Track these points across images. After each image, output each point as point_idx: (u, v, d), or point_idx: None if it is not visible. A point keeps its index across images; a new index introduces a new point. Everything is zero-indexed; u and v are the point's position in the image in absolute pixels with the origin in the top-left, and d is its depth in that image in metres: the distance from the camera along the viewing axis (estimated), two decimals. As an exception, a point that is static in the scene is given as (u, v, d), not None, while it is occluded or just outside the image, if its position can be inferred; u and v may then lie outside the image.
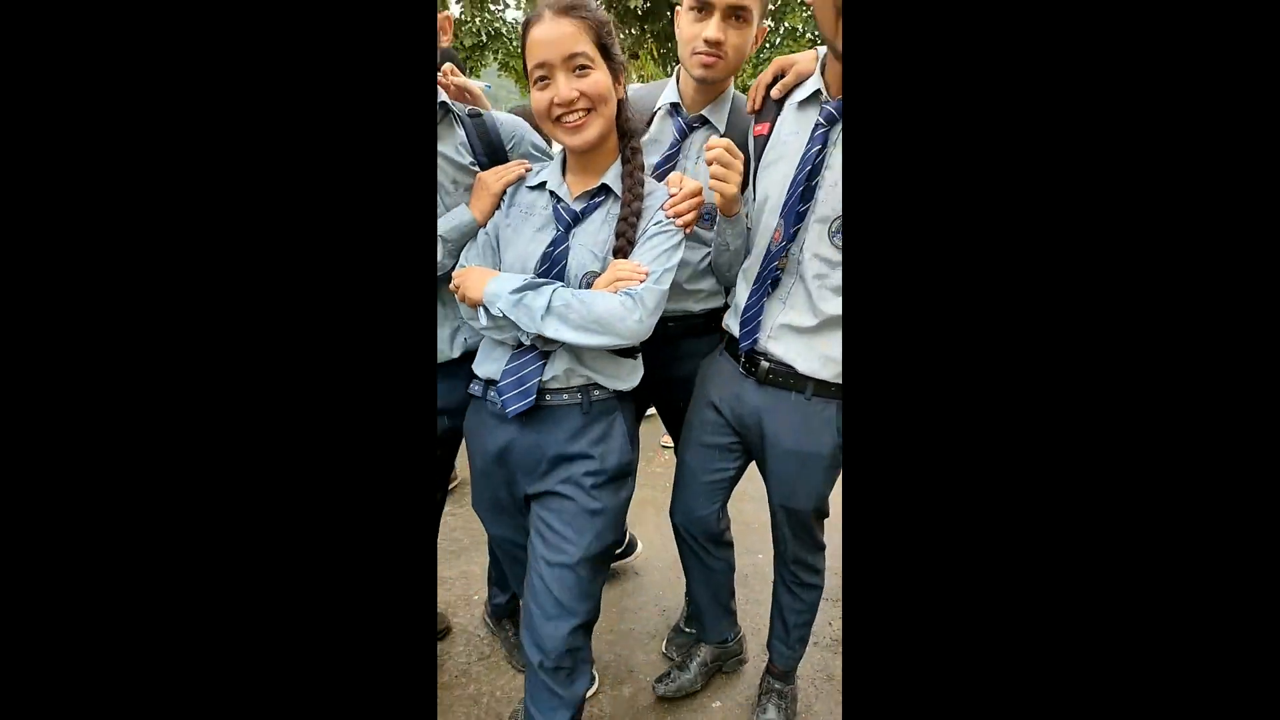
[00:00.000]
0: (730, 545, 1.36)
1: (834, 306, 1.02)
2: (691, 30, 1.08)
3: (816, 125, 1.00)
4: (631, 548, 1.90)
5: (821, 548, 1.27)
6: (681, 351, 1.27)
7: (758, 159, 1.11)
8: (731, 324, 1.15)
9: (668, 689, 1.44)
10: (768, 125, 1.10)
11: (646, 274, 0.95)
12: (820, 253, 1.01)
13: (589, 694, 1.35)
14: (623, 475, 1.06)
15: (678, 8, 1.14)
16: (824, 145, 0.99)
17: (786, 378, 1.08)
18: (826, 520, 1.23)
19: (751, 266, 1.10)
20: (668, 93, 1.21)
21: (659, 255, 0.97)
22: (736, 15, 1.06)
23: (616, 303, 0.93)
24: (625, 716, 1.43)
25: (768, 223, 1.07)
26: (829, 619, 1.74)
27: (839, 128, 0.98)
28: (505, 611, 1.59)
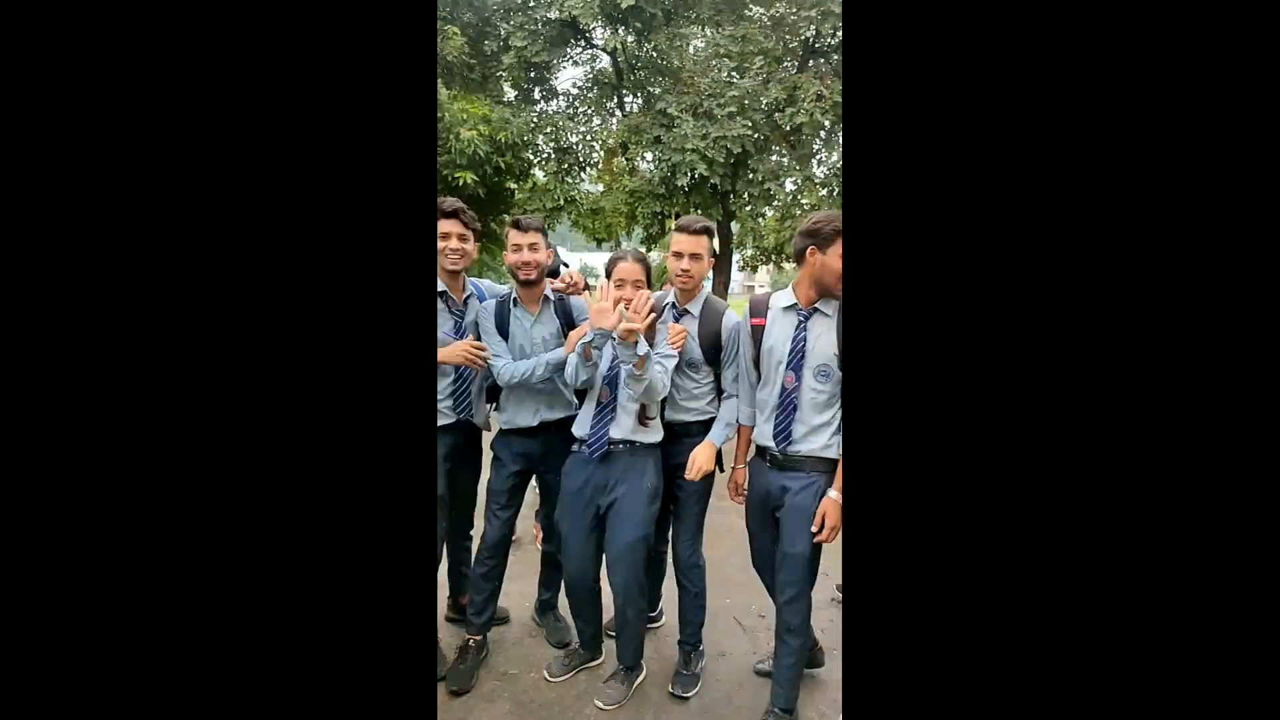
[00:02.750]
0: None
1: (819, 419, 1.82)
2: (672, 264, 2.06)
3: (798, 319, 1.86)
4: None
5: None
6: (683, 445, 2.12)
7: (756, 338, 1.96)
8: (762, 436, 1.92)
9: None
10: (763, 320, 1.98)
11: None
12: (813, 385, 1.82)
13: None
14: (655, 493, 1.96)
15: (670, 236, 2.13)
16: (804, 330, 1.84)
17: (799, 463, 1.85)
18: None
19: (767, 401, 1.89)
20: (670, 295, 2.18)
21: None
22: (694, 257, 2.00)
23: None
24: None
25: (778, 374, 1.87)
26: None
27: (809, 320, 1.84)
28: (549, 606, 2.38)
